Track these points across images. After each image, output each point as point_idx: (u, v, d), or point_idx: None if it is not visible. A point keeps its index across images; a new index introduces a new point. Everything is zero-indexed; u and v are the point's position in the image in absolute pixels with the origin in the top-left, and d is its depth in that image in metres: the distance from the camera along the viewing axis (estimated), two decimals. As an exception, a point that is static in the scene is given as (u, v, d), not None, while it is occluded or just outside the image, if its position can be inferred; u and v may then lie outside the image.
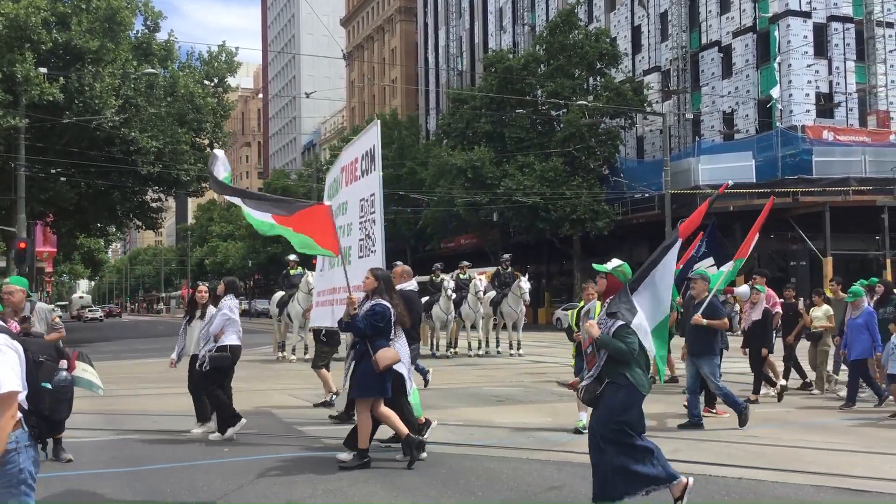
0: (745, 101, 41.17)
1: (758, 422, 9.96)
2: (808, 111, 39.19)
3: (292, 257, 21.45)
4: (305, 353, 20.44)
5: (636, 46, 48.11)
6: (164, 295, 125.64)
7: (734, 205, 37.01)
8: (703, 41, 43.82)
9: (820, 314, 13.32)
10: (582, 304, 8.98)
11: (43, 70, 29.52)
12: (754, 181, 37.16)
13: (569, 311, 9.80)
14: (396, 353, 7.90)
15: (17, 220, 30.83)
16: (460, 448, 8.71)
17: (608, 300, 6.03)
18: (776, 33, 39.70)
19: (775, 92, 39.36)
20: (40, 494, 4.59)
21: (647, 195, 40.22)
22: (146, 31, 35.85)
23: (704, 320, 9.87)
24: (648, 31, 47.19)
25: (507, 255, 23.91)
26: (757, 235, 11.53)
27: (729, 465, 7.61)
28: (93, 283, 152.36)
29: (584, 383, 5.93)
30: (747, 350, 12.32)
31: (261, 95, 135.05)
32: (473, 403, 12.40)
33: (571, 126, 41.07)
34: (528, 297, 22.11)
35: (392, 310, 7.80)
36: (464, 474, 7.41)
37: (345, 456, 7.87)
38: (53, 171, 32.23)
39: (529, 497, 6.60)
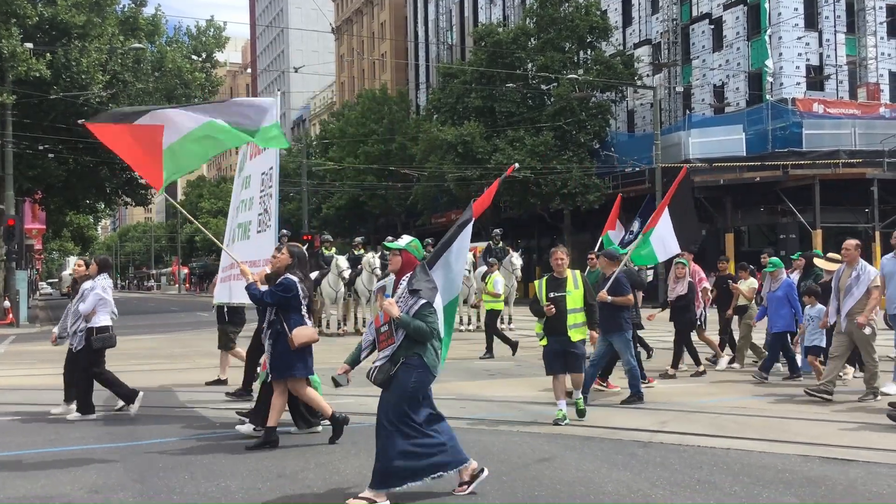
0: (736, 73, 41.09)
1: (744, 393, 10.07)
2: (798, 84, 39.14)
3: (327, 236, 21.79)
4: (339, 327, 21.30)
5: (627, 19, 47.86)
6: (154, 272, 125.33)
7: (724, 178, 37.12)
8: (694, 14, 43.63)
9: (744, 288, 13.13)
10: (545, 277, 8.80)
11: (29, 45, 29.31)
12: (744, 154, 37.20)
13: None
14: (314, 331, 7.94)
15: (5, 197, 30.69)
16: (452, 422, 8.75)
17: (403, 278, 5.79)
18: (767, 5, 39.53)
19: (770, 63, 39.27)
20: None
21: (637, 169, 40.22)
22: (133, 5, 35.61)
23: (609, 297, 9.75)
24: (639, 4, 46.92)
25: (497, 230, 23.94)
26: (667, 209, 10.99)
27: (718, 437, 7.68)
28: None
29: (376, 363, 5.68)
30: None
31: (249, 70, 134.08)
32: (466, 378, 12.48)
33: (562, 100, 40.96)
34: (519, 273, 22.18)
35: (300, 284, 7.74)
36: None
37: (245, 428, 8.00)
38: (41, 147, 32.07)
39: (520, 468, 6.65)
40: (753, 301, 13.06)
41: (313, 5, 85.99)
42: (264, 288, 7.75)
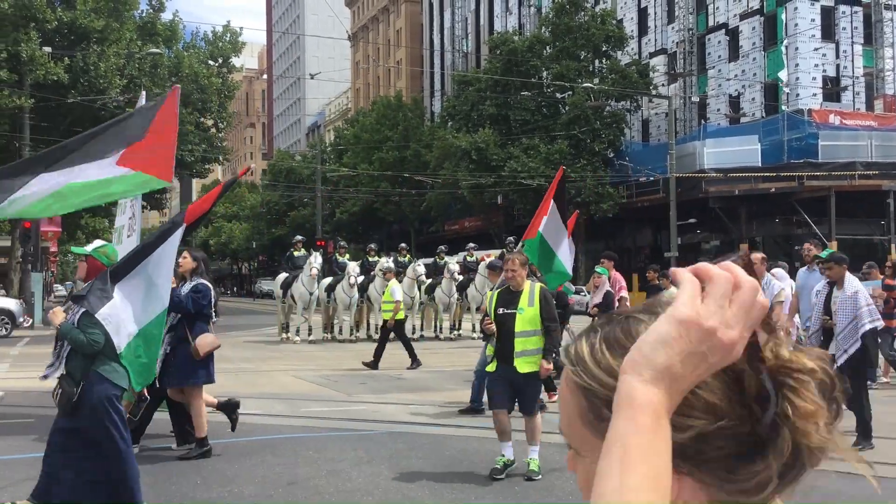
0: (752, 84, 40.96)
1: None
2: (814, 95, 38.98)
3: (298, 238, 21.54)
4: (309, 335, 20.65)
5: (642, 28, 47.82)
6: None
7: (739, 188, 36.98)
8: (710, 23, 43.55)
9: (667, 297, 12.78)
10: (496, 291, 7.37)
11: (48, 49, 29.52)
12: (759, 165, 37.05)
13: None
14: (215, 338, 7.68)
15: (22, 200, 30.88)
16: (460, 430, 8.75)
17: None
18: (783, 16, 39.43)
19: (783, 75, 39.15)
20: None
21: (651, 178, 40.11)
22: (151, 10, 35.79)
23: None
24: (655, 14, 46.89)
25: (511, 238, 23.87)
26: (544, 218, 10.50)
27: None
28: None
29: (48, 373, 5.12)
30: None
31: (265, 76, 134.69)
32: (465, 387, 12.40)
33: (577, 108, 40.93)
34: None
35: (212, 291, 7.56)
36: (467, 455, 7.44)
37: (182, 452, 7.53)
38: (58, 151, 32.25)
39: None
40: None
41: (330, 12, 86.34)
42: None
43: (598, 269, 12.23)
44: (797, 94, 38.75)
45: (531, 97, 43.35)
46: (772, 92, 40.30)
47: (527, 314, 6.79)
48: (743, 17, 41.41)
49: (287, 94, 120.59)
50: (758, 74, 40.73)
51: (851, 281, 8.24)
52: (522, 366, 6.72)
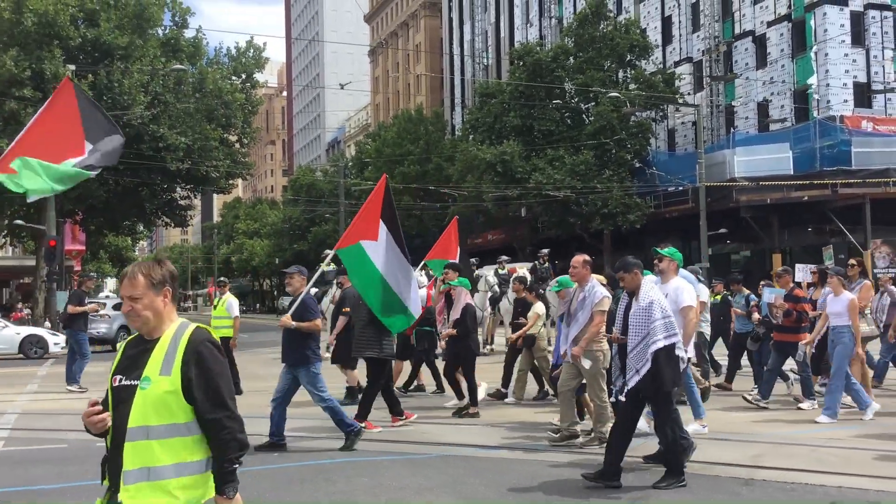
0: (781, 91, 40.31)
1: (836, 423, 9.41)
2: (845, 101, 38.27)
3: (328, 252, 21.11)
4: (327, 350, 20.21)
5: (667, 37, 47.31)
6: (191, 293, 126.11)
7: (771, 197, 36.29)
8: (737, 31, 42.98)
9: (531, 313, 11.75)
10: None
11: (72, 67, 29.36)
12: (791, 173, 36.33)
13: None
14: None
15: (46, 218, 30.74)
16: (514, 453, 8.24)
17: None
18: (812, 22, 38.81)
19: (813, 81, 38.50)
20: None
21: (681, 188, 39.46)
22: (174, 27, 35.72)
23: (293, 322, 8.44)
24: (679, 22, 46.37)
25: (545, 251, 23.36)
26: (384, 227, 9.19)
27: (823, 472, 6.99)
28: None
29: None
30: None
31: (285, 93, 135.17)
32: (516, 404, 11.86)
33: (602, 118, 40.40)
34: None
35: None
36: (536, 480, 6.92)
37: None
38: (83, 168, 32.13)
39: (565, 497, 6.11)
40: (543, 329, 11.91)
41: (349, 28, 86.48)
42: None
43: (448, 280, 11.53)
44: (828, 101, 38.07)
45: (555, 108, 42.88)
46: (801, 99, 39.63)
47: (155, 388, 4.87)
48: (770, 24, 40.80)
49: (307, 111, 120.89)
50: (787, 81, 40.08)
51: (649, 291, 6.86)
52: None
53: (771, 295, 11.11)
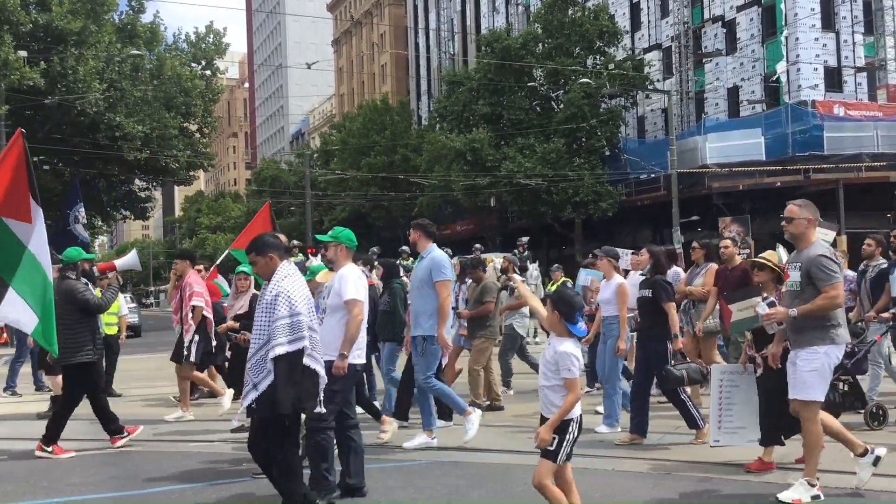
0: (752, 76, 39.98)
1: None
2: (816, 86, 38.04)
3: (295, 242, 20.28)
4: None
5: (635, 24, 46.80)
6: (152, 289, 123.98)
7: (743, 183, 35.94)
8: (706, 16, 42.57)
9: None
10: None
11: (23, 53, 28.14)
12: (764, 159, 36.00)
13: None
14: None
15: (-2, 212, 29.43)
16: (515, 457, 7.46)
17: None
18: (783, 6, 38.50)
19: (780, 67, 38.22)
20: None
21: (652, 175, 39.01)
22: (130, 12, 34.43)
23: None
24: (648, 8, 45.89)
25: (524, 239, 22.61)
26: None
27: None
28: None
29: None
30: None
31: (247, 84, 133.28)
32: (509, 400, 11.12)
33: (572, 105, 39.76)
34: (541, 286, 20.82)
35: None
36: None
37: None
38: (36, 159, 30.71)
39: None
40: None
41: (312, 16, 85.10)
42: None
43: (242, 268, 10.07)
44: (798, 86, 37.81)
45: (525, 95, 42.18)
46: (771, 84, 39.34)
47: None
48: (740, 8, 40.46)
49: (269, 103, 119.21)
50: (757, 67, 39.76)
51: (281, 280, 5.25)
52: None
53: (587, 277, 10.36)
